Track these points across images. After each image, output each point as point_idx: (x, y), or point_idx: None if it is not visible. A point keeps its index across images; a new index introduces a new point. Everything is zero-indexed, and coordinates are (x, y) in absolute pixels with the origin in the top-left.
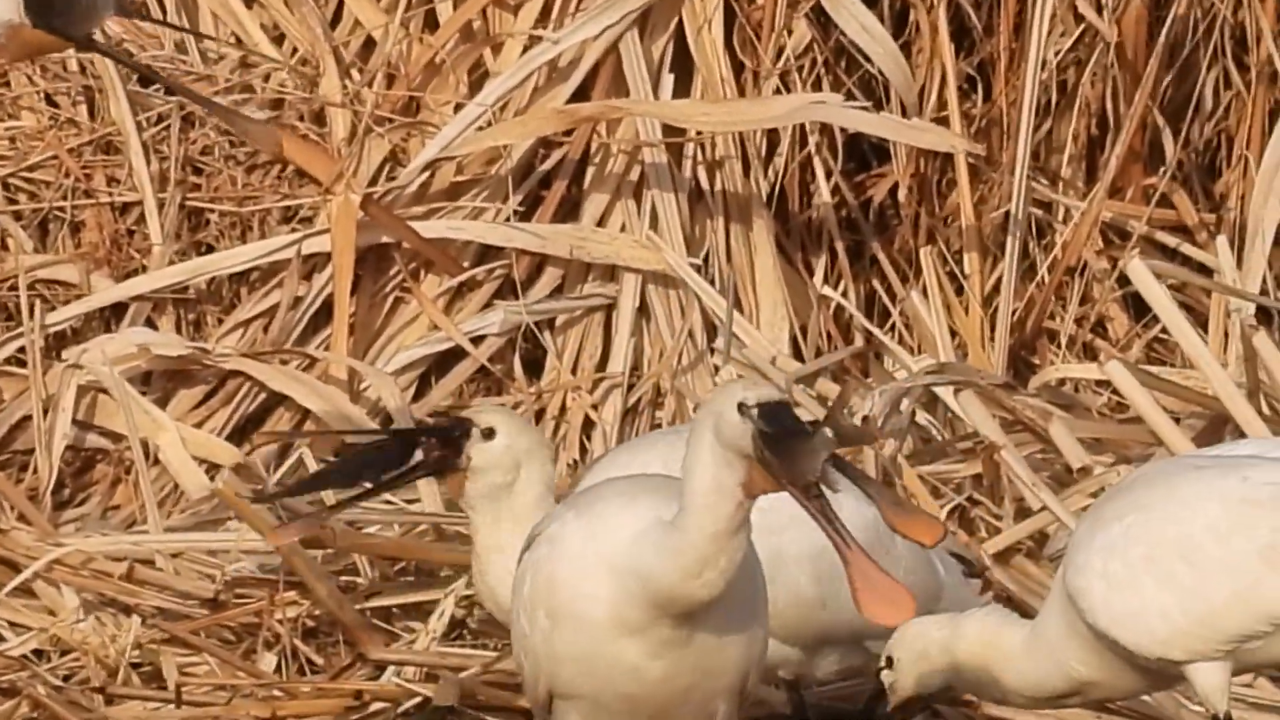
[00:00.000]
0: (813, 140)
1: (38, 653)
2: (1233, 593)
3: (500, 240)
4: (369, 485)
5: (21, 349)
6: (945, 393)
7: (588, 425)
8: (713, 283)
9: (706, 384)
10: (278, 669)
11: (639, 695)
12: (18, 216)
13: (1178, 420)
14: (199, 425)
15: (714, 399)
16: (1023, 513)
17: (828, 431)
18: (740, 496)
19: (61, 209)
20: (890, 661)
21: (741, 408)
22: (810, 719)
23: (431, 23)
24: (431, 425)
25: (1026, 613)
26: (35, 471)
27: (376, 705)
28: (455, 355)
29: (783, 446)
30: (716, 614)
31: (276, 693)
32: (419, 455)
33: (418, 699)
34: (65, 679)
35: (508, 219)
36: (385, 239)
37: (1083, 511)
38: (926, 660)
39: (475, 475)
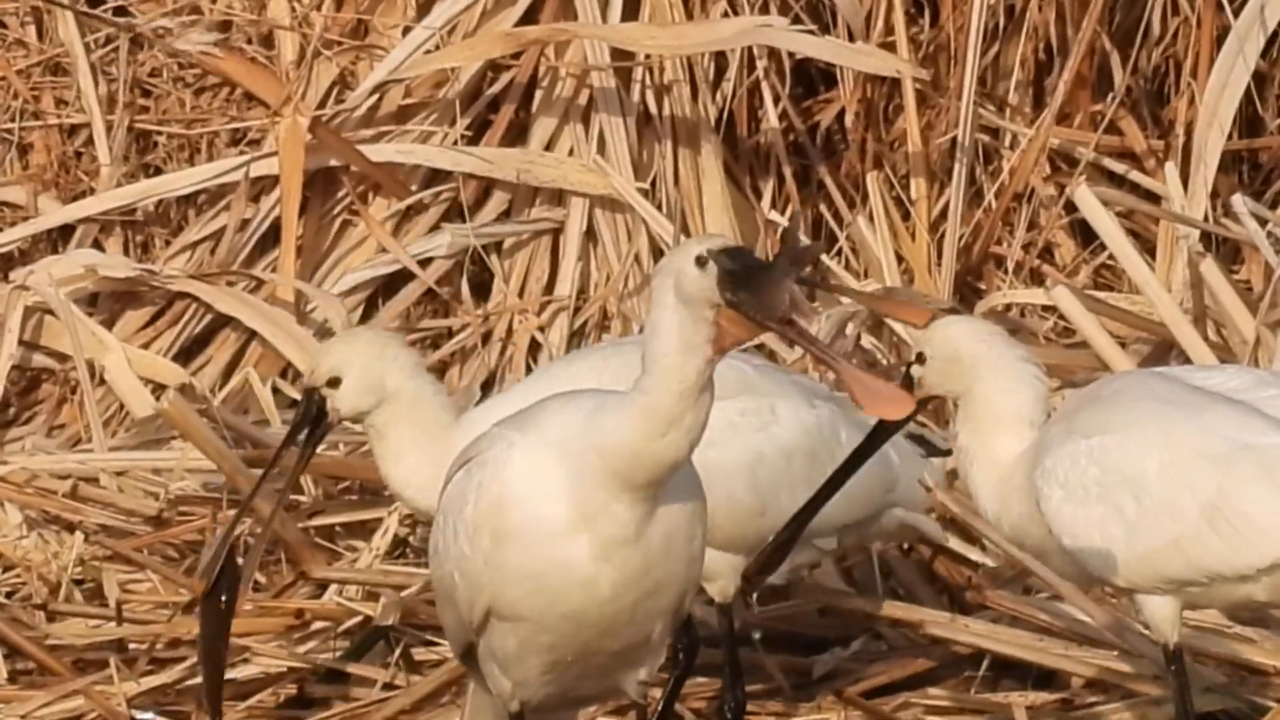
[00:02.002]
0: (760, 65)
1: None
2: (1172, 540)
3: (448, 164)
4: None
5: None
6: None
7: (534, 348)
8: (660, 207)
9: None
10: None
11: (585, 613)
12: None
13: (1124, 345)
14: (146, 346)
15: (669, 260)
16: None
17: (785, 260)
18: (709, 353)
19: (9, 131)
20: (920, 357)
21: (700, 260)
22: (737, 640)
23: None
24: (295, 420)
25: None
26: None
27: (319, 624)
28: (403, 278)
29: (750, 282)
30: (663, 512)
31: None
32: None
33: (359, 617)
34: (8, 595)
35: (455, 142)
36: (333, 162)
37: None
38: (953, 366)
39: (356, 417)
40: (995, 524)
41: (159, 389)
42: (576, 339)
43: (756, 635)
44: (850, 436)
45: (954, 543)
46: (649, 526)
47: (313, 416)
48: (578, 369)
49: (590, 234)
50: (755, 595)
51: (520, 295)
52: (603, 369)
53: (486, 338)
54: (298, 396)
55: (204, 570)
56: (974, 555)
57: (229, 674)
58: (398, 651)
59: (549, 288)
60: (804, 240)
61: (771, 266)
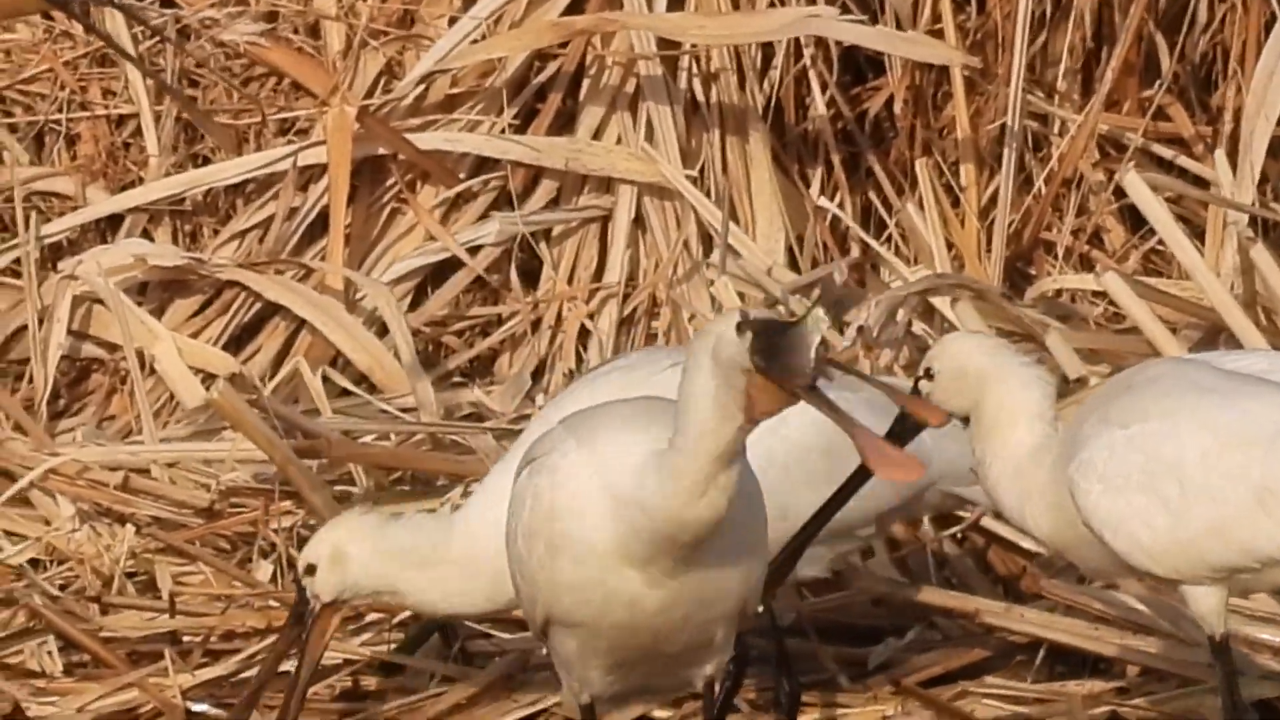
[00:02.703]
0: (808, 53)
1: (34, 562)
2: (1215, 526)
3: (496, 152)
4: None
5: (17, 260)
6: (942, 303)
7: (584, 335)
8: (709, 195)
9: (702, 295)
10: (273, 578)
11: (636, 624)
12: (13, 129)
13: (1174, 331)
14: (195, 336)
15: (712, 324)
16: None
17: (818, 311)
18: (741, 420)
19: (57, 122)
20: (928, 373)
21: (739, 326)
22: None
23: None
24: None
25: None
26: (31, 382)
27: (373, 616)
28: (452, 266)
29: (775, 347)
30: (717, 544)
31: (271, 602)
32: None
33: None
34: (61, 588)
35: (503, 131)
36: (381, 151)
37: None
38: (960, 381)
39: (340, 599)
40: (1019, 521)
41: (209, 379)
42: (625, 326)
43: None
44: (866, 421)
45: (1007, 531)
46: (701, 557)
47: (300, 610)
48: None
49: (639, 221)
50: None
51: (569, 282)
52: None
53: (536, 325)
54: (348, 385)
55: None
56: (1028, 544)
57: (282, 667)
58: (457, 645)
59: (598, 275)
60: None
61: (797, 326)
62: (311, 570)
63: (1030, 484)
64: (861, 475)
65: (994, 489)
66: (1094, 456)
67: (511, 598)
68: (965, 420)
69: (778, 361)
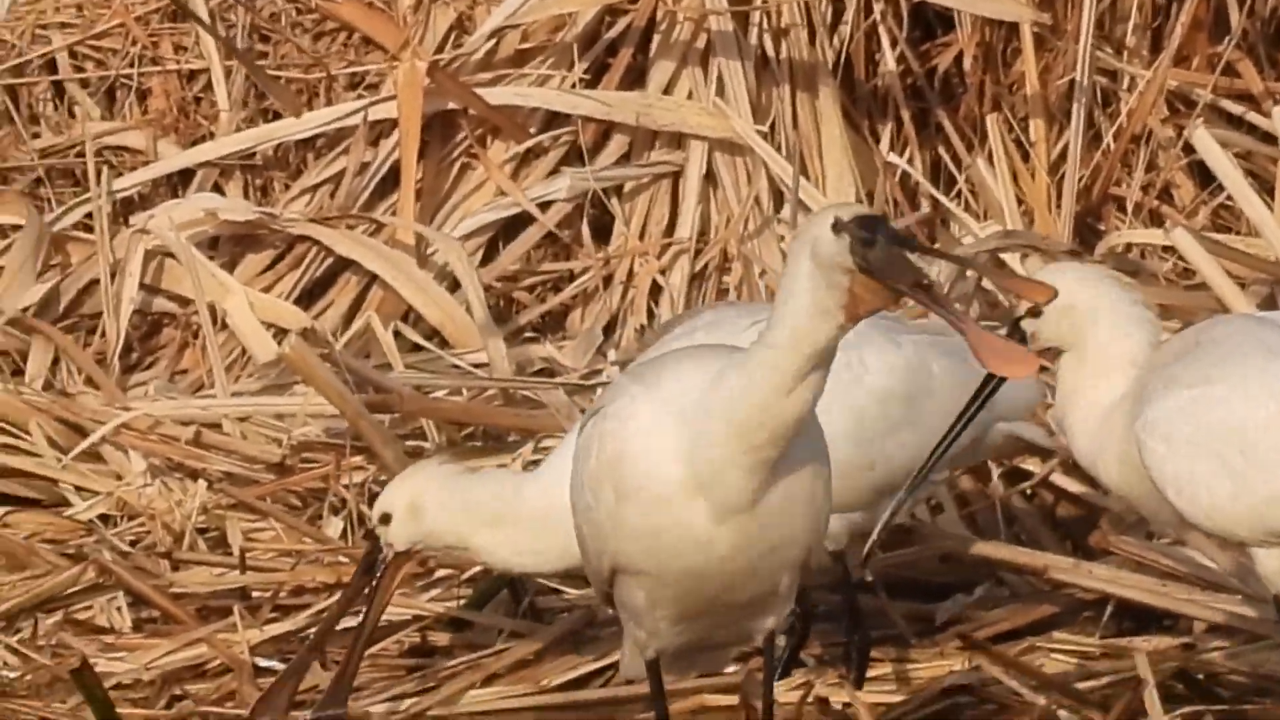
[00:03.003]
0: (878, 8)
1: (104, 517)
2: (1277, 494)
3: (566, 107)
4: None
5: (89, 215)
6: (1012, 259)
7: (655, 290)
8: (779, 150)
9: (773, 250)
10: (343, 535)
11: (705, 570)
12: (85, 84)
13: (1243, 286)
14: (266, 290)
15: (806, 225)
16: None
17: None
18: (842, 319)
19: (129, 77)
20: (1034, 310)
21: (837, 225)
22: (855, 587)
23: None
24: (360, 566)
25: None
26: (103, 336)
27: (442, 571)
28: (523, 221)
29: (884, 249)
30: (782, 474)
31: (341, 558)
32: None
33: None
34: (131, 544)
35: (574, 86)
36: (451, 106)
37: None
38: (1069, 315)
39: (412, 549)
40: (1090, 467)
41: (280, 334)
42: (697, 281)
43: (868, 577)
44: (942, 369)
45: (1076, 487)
46: (768, 490)
47: (371, 559)
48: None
49: (710, 177)
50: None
51: (641, 238)
52: None
53: (607, 281)
54: (420, 341)
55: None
56: (1097, 500)
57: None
58: (525, 601)
59: (669, 230)
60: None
61: (904, 235)
62: (386, 519)
63: (1109, 432)
64: (988, 385)
65: (1072, 430)
66: (1159, 416)
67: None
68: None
69: (886, 262)
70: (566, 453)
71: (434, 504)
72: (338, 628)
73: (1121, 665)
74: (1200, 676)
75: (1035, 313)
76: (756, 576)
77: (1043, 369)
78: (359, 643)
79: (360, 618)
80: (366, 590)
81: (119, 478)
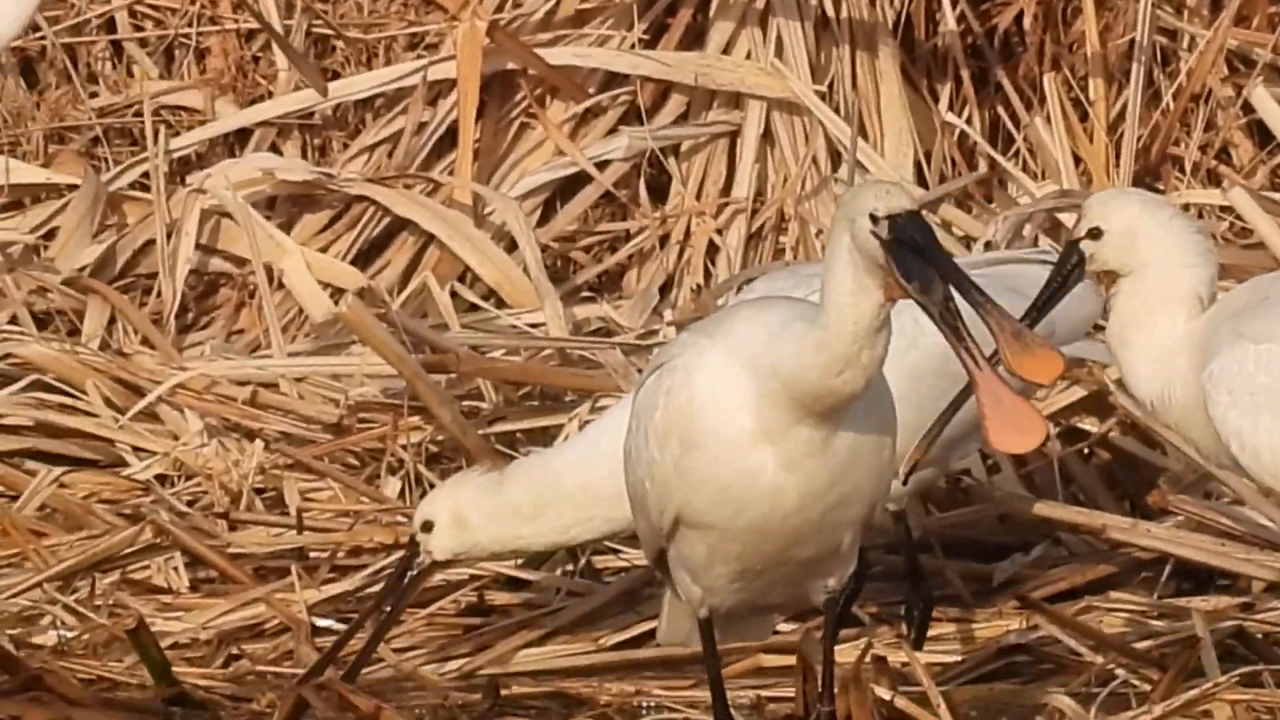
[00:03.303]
0: None
1: (161, 478)
2: None
3: (625, 67)
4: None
5: (146, 174)
6: (1069, 219)
7: (712, 250)
8: (837, 110)
9: (830, 210)
10: (401, 494)
11: (771, 523)
12: (143, 43)
13: None
14: (323, 250)
15: (849, 202)
16: None
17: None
18: (881, 298)
19: (186, 36)
20: (1095, 232)
21: (873, 217)
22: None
23: None
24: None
25: None
26: (159, 296)
27: None
28: (580, 181)
29: (908, 262)
30: (850, 426)
31: (399, 518)
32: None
33: None
34: (188, 504)
35: (633, 46)
36: (510, 66)
37: None
38: (1132, 241)
39: (452, 558)
40: (1145, 399)
41: (337, 294)
42: (753, 241)
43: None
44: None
45: (1135, 447)
46: (835, 439)
47: (408, 564)
48: None
49: (767, 136)
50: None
51: (698, 198)
52: None
53: (664, 241)
54: (476, 301)
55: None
56: (1155, 460)
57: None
58: (583, 560)
59: (726, 190)
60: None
61: (931, 245)
62: (428, 527)
63: (1172, 371)
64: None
65: (1129, 363)
66: (1225, 369)
67: (628, 516)
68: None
69: (909, 274)
70: (598, 425)
71: (479, 514)
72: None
73: (1179, 625)
74: (1259, 636)
75: (1095, 235)
76: (821, 531)
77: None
78: (373, 642)
79: (380, 616)
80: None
81: (176, 438)
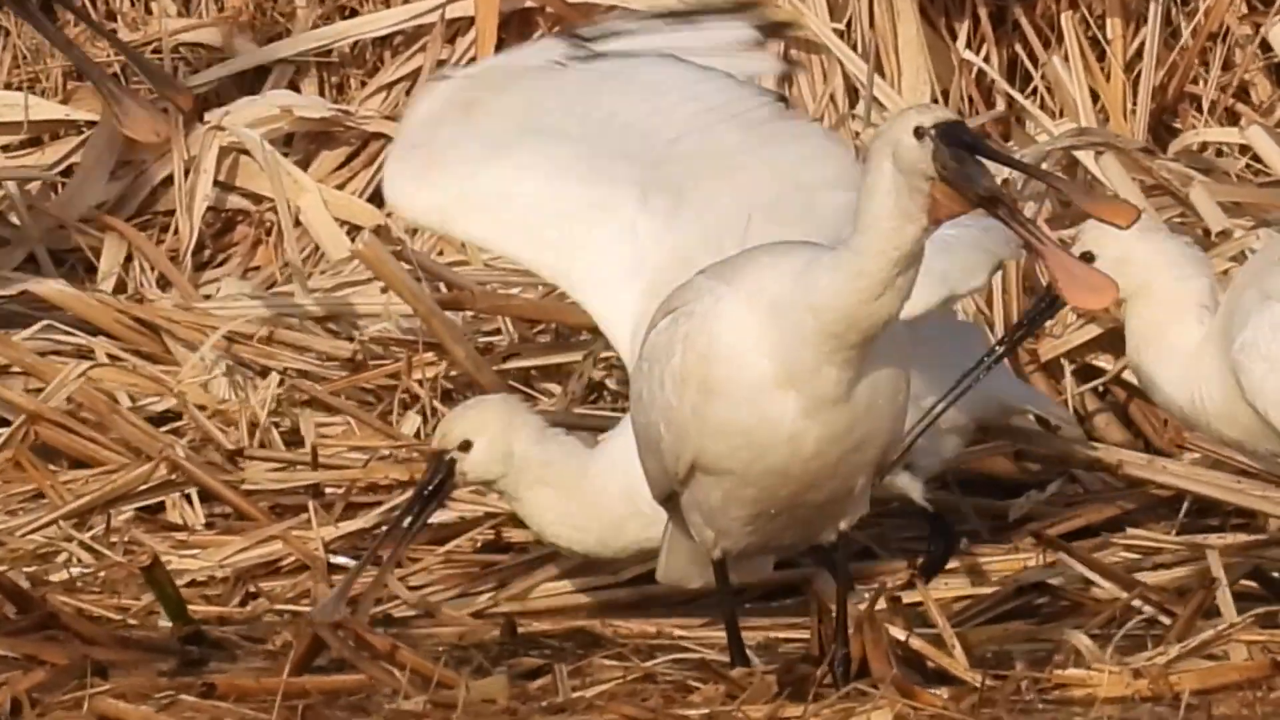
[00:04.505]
0: None
1: (176, 414)
2: None
3: (641, 5)
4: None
5: (164, 110)
6: (1086, 157)
7: None
8: (855, 48)
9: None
10: (417, 432)
11: (789, 468)
12: None
13: None
14: (340, 188)
15: (888, 128)
16: None
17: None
18: (924, 221)
19: None
20: (1087, 257)
21: (918, 131)
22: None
23: None
24: (422, 482)
25: None
26: (176, 233)
27: None
28: None
29: (966, 159)
30: (869, 369)
31: (415, 454)
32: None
33: None
34: (203, 441)
35: None
36: (528, 4)
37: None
38: (1124, 265)
39: (484, 483)
40: (1180, 415)
41: (354, 230)
42: None
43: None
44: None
45: None
46: (856, 386)
47: (439, 483)
48: None
49: (786, 75)
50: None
51: None
52: None
53: None
54: None
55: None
56: None
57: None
58: None
59: None
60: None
61: (985, 144)
62: (467, 446)
63: (1199, 375)
64: (1050, 306)
65: (1154, 377)
66: (1256, 336)
67: (620, 549)
68: None
69: (966, 174)
70: (624, 448)
71: (523, 446)
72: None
73: (1196, 563)
74: (1275, 574)
75: (1088, 259)
76: (837, 475)
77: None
78: (390, 561)
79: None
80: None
81: (191, 375)
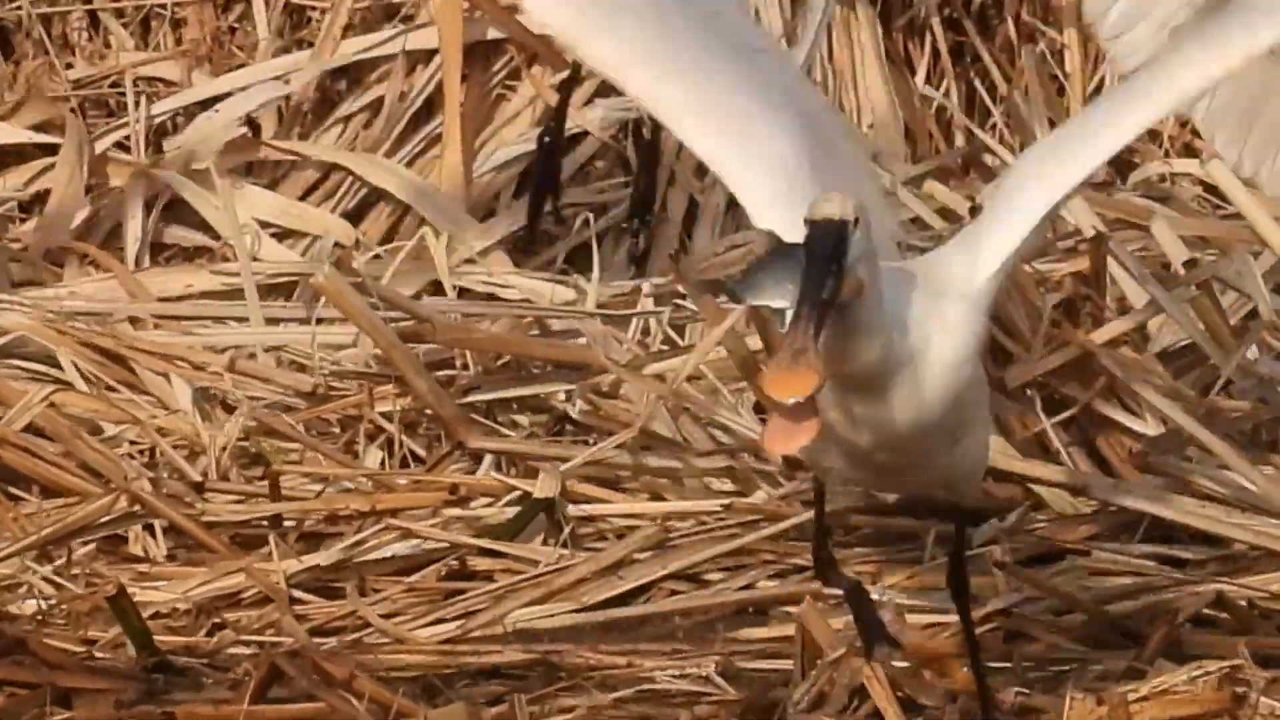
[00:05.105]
0: None
1: (137, 444)
2: None
3: None
4: None
5: (123, 143)
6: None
7: (689, 219)
8: (816, 81)
9: None
10: (382, 464)
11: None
12: (119, 14)
13: (1277, 218)
14: None
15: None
16: (1124, 310)
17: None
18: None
19: (163, 6)
20: None
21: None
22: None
23: None
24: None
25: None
26: (137, 264)
27: (483, 501)
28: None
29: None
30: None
31: (376, 487)
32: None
33: (517, 493)
34: (167, 472)
35: None
36: (488, 36)
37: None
38: None
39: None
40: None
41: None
42: (731, 212)
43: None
44: None
45: (1119, 415)
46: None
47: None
48: None
49: None
50: None
51: (673, 171)
52: None
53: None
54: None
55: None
56: (1137, 427)
57: (389, 551)
58: (567, 529)
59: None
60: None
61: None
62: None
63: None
64: None
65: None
66: None
67: None
68: None
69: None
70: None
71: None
72: None
73: (1161, 588)
74: (1240, 603)
75: None
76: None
77: None
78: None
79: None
80: None
81: (161, 405)
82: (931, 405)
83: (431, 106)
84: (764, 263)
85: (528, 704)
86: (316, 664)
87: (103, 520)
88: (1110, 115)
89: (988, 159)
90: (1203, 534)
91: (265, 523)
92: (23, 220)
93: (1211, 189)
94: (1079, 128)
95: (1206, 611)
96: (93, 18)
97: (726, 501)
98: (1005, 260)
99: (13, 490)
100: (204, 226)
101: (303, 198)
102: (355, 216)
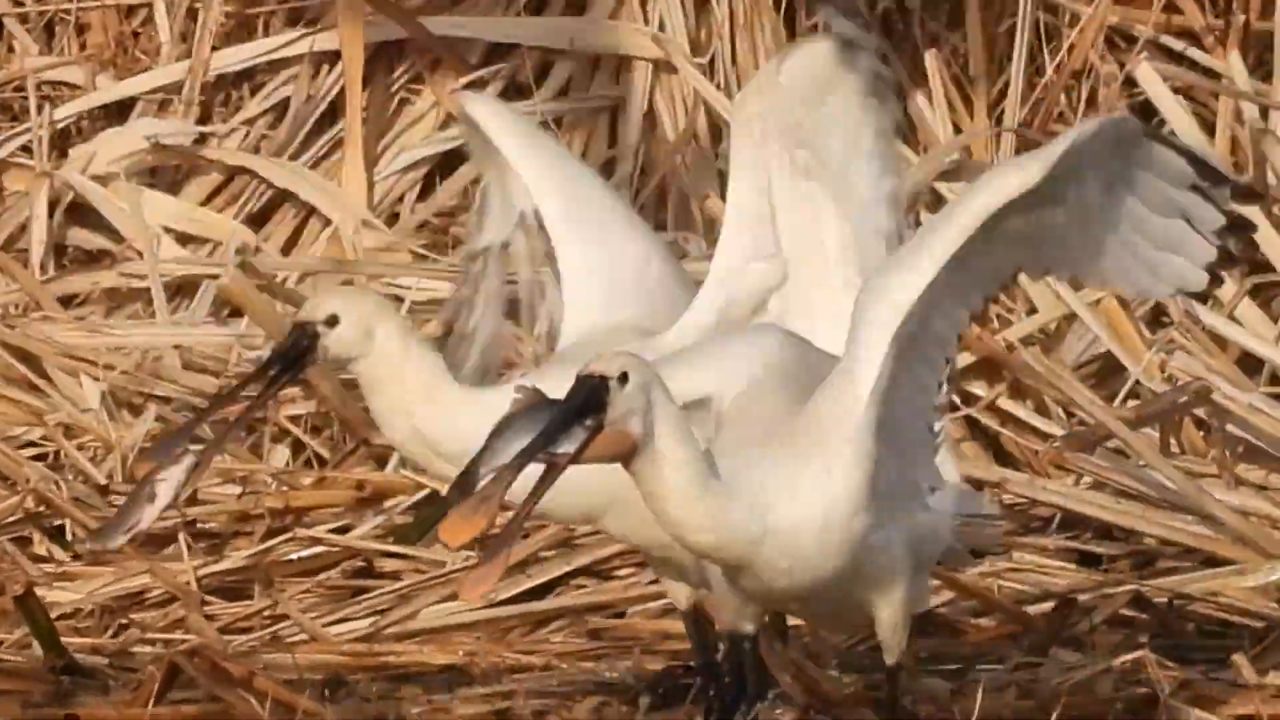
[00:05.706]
0: None
1: (45, 445)
2: None
3: (501, 35)
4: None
5: (25, 148)
6: (948, 189)
7: None
8: (719, 86)
9: (713, 185)
10: (287, 463)
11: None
12: (23, 19)
13: None
14: None
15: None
16: (1033, 310)
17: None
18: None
19: (67, 11)
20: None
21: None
22: None
23: None
24: (279, 345)
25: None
26: (42, 268)
27: (392, 500)
28: (460, 156)
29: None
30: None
31: (285, 486)
32: (273, 373)
33: (426, 491)
34: (72, 473)
35: (517, 13)
36: (389, 39)
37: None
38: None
39: (341, 362)
40: None
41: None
42: (639, 213)
43: None
44: None
45: (1024, 413)
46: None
47: (299, 351)
48: None
49: (649, 112)
50: None
51: None
52: None
53: None
54: None
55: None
56: (1044, 426)
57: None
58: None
59: (608, 165)
60: None
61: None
62: (334, 322)
63: None
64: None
65: None
66: None
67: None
68: None
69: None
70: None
71: (384, 335)
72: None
73: (1077, 585)
74: (1160, 601)
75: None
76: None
77: None
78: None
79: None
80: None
81: (71, 404)
82: (804, 571)
83: (336, 111)
84: (517, 417)
85: (436, 702)
86: (215, 663)
87: (11, 520)
88: (932, 231)
89: None
90: (1112, 529)
91: (172, 523)
92: None
93: None
94: (906, 253)
95: (1122, 609)
96: None
97: None
98: (873, 392)
99: None
100: (106, 229)
101: (208, 200)
102: (260, 219)
